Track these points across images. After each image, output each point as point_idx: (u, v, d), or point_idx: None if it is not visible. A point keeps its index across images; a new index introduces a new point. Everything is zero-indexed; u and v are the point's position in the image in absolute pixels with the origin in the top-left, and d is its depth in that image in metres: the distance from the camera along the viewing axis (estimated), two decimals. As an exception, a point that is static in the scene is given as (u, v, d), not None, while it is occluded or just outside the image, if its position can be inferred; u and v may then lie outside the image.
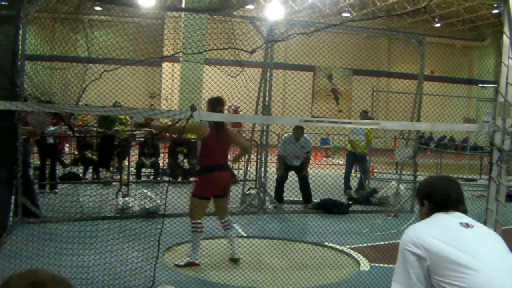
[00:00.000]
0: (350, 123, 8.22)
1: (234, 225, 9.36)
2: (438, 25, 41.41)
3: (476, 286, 3.14)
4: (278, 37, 12.53)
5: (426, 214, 3.69)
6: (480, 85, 37.54)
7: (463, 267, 3.20)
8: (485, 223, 5.93)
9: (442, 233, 3.39)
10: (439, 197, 3.66)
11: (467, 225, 3.45)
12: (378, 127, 6.41)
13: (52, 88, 8.46)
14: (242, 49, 6.70)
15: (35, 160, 14.38)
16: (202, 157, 8.59)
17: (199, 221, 8.39)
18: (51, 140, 13.75)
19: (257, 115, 12.13)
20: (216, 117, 7.71)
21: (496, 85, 6.23)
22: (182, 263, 8.35)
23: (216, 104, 8.50)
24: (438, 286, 3.30)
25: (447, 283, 3.23)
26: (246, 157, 13.74)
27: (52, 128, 13.57)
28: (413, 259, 3.37)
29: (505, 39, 5.98)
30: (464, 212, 3.64)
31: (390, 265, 8.78)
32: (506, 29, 5.92)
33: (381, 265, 8.77)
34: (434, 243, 3.34)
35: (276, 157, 14.52)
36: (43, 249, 7.69)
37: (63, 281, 2.09)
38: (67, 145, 18.80)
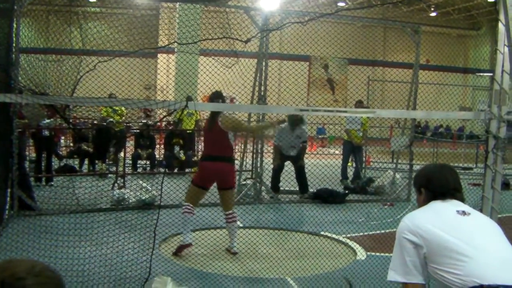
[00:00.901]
0: (345, 111, 8.20)
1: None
2: (433, 14, 41.42)
3: (470, 273, 3.14)
4: (273, 26, 12.50)
5: (423, 202, 3.69)
6: (476, 73, 37.58)
7: (459, 254, 3.20)
8: (481, 210, 5.92)
9: (439, 221, 3.39)
10: (436, 186, 3.66)
11: (464, 213, 3.45)
12: (374, 116, 6.41)
13: (47, 80, 8.43)
14: (236, 39, 6.69)
15: (31, 153, 14.35)
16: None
17: (187, 203, 8.55)
18: (46, 133, 13.71)
19: (253, 105, 12.11)
20: (211, 107, 7.70)
21: (491, 74, 6.22)
22: (173, 250, 8.49)
23: (217, 98, 8.54)
24: (434, 273, 3.30)
25: (443, 271, 3.23)
26: (242, 147, 13.76)
27: (47, 120, 13.52)
28: (410, 246, 3.37)
29: (501, 27, 5.96)
30: (462, 200, 3.64)
31: (387, 254, 8.79)
32: (501, 16, 5.90)
33: (378, 254, 8.79)
34: (431, 230, 3.34)
35: (272, 147, 14.49)
36: (39, 242, 7.68)
37: (41, 273, 1.97)
38: (62, 137, 18.74)
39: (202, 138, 8.84)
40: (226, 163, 8.66)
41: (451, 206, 3.52)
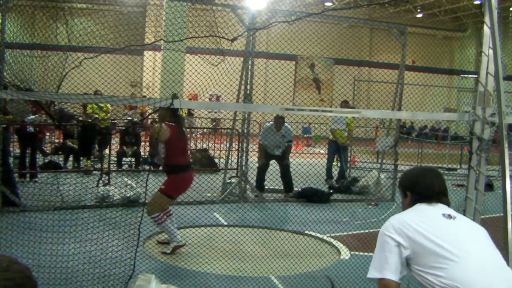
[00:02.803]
0: (331, 111, 8.21)
1: (215, 213, 9.34)
2: (420, 15, 41.58)
3: (453, 277, 3.15)
4: (260, 25, 12.50)
5: (408, 205, 3.69)
6: (461, 75, 37.77)
7: (443, 258, 3.22)
8: (464, 211, 5.97)
9: (425, 223, 3.40)
10: (422, 189, 3.66)
11: (449, 216, 3.46)
12: (359, 116, 6.43)
13: (32, 76, 8.39)
14: (223, 37, 6.69)
15: (15, 149, 14.27)
16: (170, 158, 8.54)
17: (157, 213, 8.38)
18: (31, 129, 13.63)
19: (238, 103, 12.12)
20: (196, 105, 7.70)
21: (476, 76, 6.27)
22: (168, 251, 8.45)
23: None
24: (417, 275, 3.31)
25: (426, 273, 3.25)
26: (228, 145, 13.77)
27: (32, 116, 13.44)
28: (392, 244, 3.37)
29: (486, 29, 6.01)
30: (447, 204, 3.65)
31: (371, 254, 8.81)
32: (486, 19, 5.95)
33: (362, 253, 8.82)
34: (417, 232, 3.34)
35: (257, 146, 14.49)
36: (23, 238, 7.66)
37: (8, 267, 1.96)
38: (47, 133, 18.66)
39: (167, 147, 8.52)
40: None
41: (437, 210, 3.53)
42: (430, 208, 3.56)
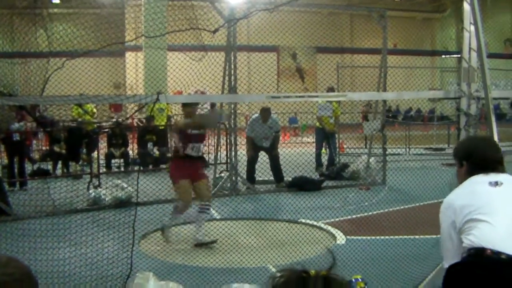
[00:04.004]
0: (317, 96, 8.24)
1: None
2: (398, -2, 41.66)
3: (481, 237, 3.29)
4: (240, 17, 12.47)
5: (465, 175, 3.75)
6: (443, 56, 37.89)
7: (475, 221, 3.36)
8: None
9: (470, 198, 3.51)
10: (478, 159, 3.73)
11: (496, 184, 3.53)
12: (345, 99, 6.46)
13: (14, 81, 8.34)
14: (204, 29, 6.68)
15: (3, 158, 14.19)
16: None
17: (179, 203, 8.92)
18: (17, 137, 13.53)
19: (223, 95, 12.08)
20: (182, 98, 7.71)
21: (459, 55, 6.31)
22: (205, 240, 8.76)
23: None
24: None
25: (464, 238, 3.39)
26: (216, 140, 13.78)
27: (17, 124, 13.37)
28: (446, 219, 3.56)
29: (466, 6, 6.06)
30: (503, 171, 3.70)
31: (366, 237, 8.89)
32: (465, -5, 6.00)
33: (357, 237, 8.87)
34: (460, 207, 3.48)
35: (245, 139, 14.47)
36: (17, 245, 7.60)
37: (7, 264, 1.95)
38: (34, 141, 18.55)
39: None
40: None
41: (485, 179, 3.59)
42: (480, 179, 3.62)
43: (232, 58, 12.41)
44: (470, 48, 6.05)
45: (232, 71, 12.38)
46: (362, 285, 6.08)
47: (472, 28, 6.01)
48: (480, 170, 3.66)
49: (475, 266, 3.28)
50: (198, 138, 8.79)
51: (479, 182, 3.59)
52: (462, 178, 3.76)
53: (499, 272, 3.18)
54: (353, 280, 6.05)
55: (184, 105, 8.78)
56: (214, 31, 6.28)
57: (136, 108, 6.09)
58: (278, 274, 1.91)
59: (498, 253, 3.19)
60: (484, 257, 3.24)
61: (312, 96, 7.46)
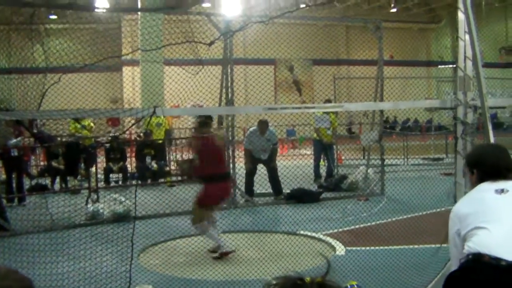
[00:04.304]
0: (313, 107, 8.24)
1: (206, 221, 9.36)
2: (394, 10, 41.76)
3: (480, 242, 3.32)
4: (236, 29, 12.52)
5: (475, 182, 3.78)
6: (439, 66, 37.99)
7: (476, 228, 3.39)
8: (455, 197, 6.01)
9: (474, 205, 3.55)
10: (488, 167, 3.74)
11: (502, 191, 3.54)
12: (342, 110, 6.47)
13: (12, 96, 8.35)
14: (200, 42, 6.70)
15: (1, 174, 14.17)
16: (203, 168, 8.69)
17: (198, 224, 8.80)
18: (15, 153, 13.51)
19: (221, 107, 12.08)
20: (179, 111, 7.72)
21: (454, 65, 6.33)
22: (217, 255, 8.74)
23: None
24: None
25: (465, 244, 3.43)
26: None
27: (14, 140, 13.36)
28: (453, 227, 3.60)
29: (460, 15, 6.08)
30: None
31: (365, 247, 8.87)
32: (460, 4, 6.03)
33: (356, 248, 8.85)
34: (465, 215, 3.52)
35: (243, 152, 14.46)
36: (16, 260, 7.59)
37: (7, 276, 1.93)
38: (32, 156, 18.53)
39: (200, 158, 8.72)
40: None
41: (493, 186, 3.61)
42: (487, 186, 3.64)
43: (229, 70, 12.43)
44: (465, 57, 6.07)
45: (229, 84, 12.41)
46: (358, 291, 6.09)
47: (467, 37, 6.03)
48: (490, 177, 3.68)
49: (472, 272, 3.29)
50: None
51: (485, 189, 3.61)
52: (473, 185, 3.80)
53: (497, 278, 3.18)
54: (349, 286, 6.04)
55: (200, 125, 8.83)
56: (210, 44, 6.31)
57: (133, 122, 6.10)
58: (273, 282, 1.91)
59: (497, 259, 3.20)
60: (482, 262, 3.25)
61: (309, 107, 7.47)
